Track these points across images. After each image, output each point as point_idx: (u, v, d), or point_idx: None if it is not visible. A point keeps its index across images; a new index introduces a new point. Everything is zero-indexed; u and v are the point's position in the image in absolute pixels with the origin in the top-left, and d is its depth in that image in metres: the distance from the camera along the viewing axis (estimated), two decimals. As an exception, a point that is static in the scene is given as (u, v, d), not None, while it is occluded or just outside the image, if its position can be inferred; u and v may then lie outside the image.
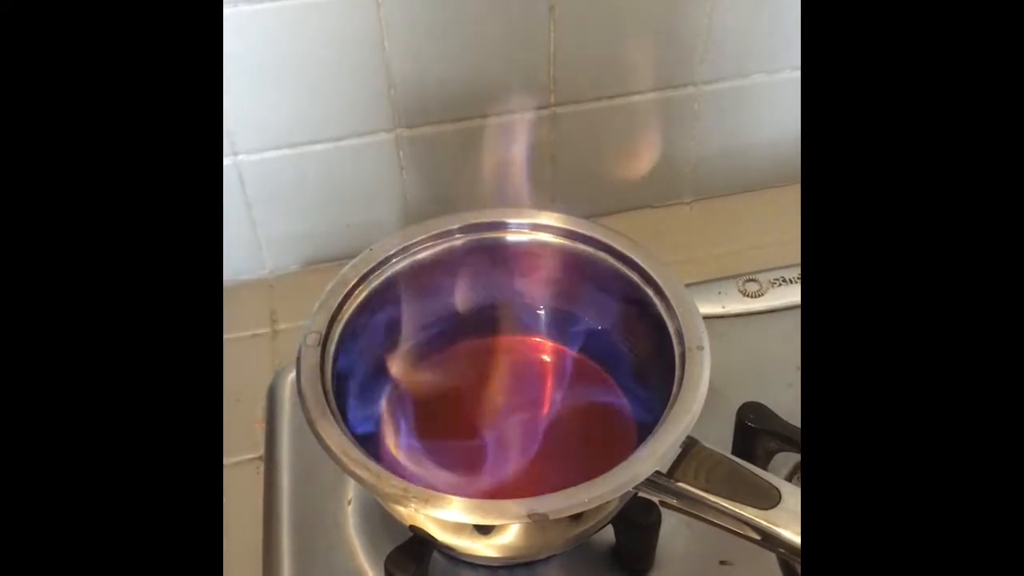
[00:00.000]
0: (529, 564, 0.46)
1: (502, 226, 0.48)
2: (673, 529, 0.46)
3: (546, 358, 0.49)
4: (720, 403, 0.48)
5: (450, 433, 0.46)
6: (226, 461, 0.53)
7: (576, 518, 0.41)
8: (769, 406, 0.47)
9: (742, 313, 0.58)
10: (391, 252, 0.46)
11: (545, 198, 0.50)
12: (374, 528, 0.48)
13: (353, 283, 0.45)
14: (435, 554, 0.45)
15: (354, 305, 0.45)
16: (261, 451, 0.53)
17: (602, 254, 0.46)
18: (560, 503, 0.37)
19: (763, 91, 0.63)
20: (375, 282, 0.45)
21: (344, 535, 0.48)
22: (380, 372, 0.47)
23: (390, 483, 0.38)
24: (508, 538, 0.41)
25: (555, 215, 0.47)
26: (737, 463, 0.39)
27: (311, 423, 0.40)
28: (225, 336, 0.60)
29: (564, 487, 0.38)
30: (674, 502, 0.40)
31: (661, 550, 0.47)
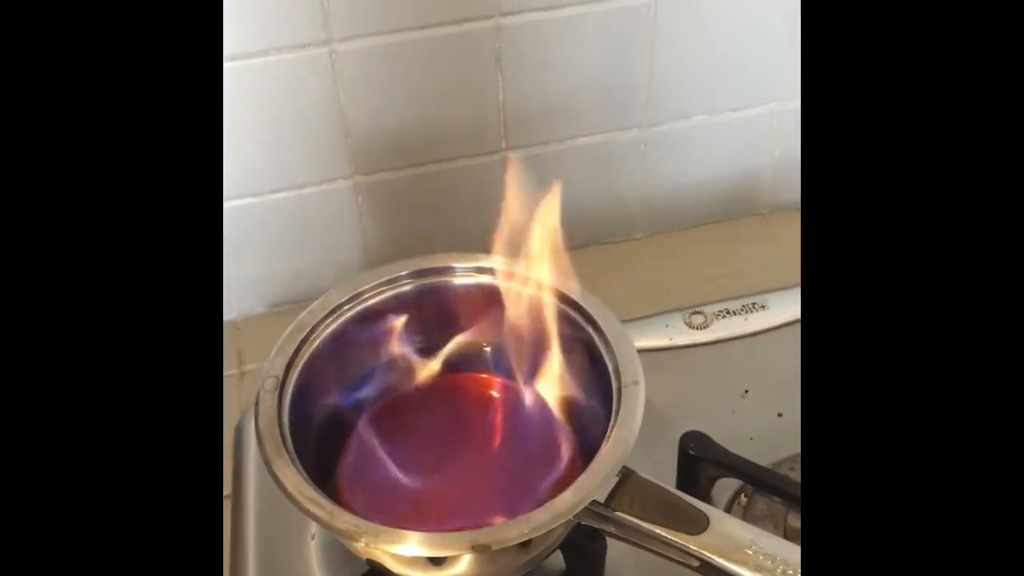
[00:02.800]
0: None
1: (449, 271, 0.51)
2: (621, 555, 0.49)
3: (495, 393, 0.52)
4: (664, 431, 0.50)
5: (406, 467, 0.48)
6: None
7: (524, 546, 0.43)
8: (713, 434, 0.50)
9: (688, 344, 0.60)
10: (343, 299, 0.49)
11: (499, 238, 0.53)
12: (336, 563, 0.50)
13: (309, 328, 0.47)
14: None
15: (310, 350, 0.47)
16: (229, 490, 0.56)
17: (544, 295, 0.49)
18: (502, 534, 0.39)
19: (705, 131, 0.66)
20: (329, 327, 0.48)
21: (307, 569, 0.51)
22: (337, 411, 0.49)
23: (342, 519, 0.40)
24: (461, 568, 0.44)
25: (498, 258, 0.49)
26: (669, 492, 0.42)
27: (268, 463, 0.42)
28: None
29: (513, 514, 0.40)
30: (612, 530, 0.42)
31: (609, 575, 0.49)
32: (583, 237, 0.69)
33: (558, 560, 0.48)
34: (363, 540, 0.39)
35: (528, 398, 0.49)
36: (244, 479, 0.55)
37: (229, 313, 0.66)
